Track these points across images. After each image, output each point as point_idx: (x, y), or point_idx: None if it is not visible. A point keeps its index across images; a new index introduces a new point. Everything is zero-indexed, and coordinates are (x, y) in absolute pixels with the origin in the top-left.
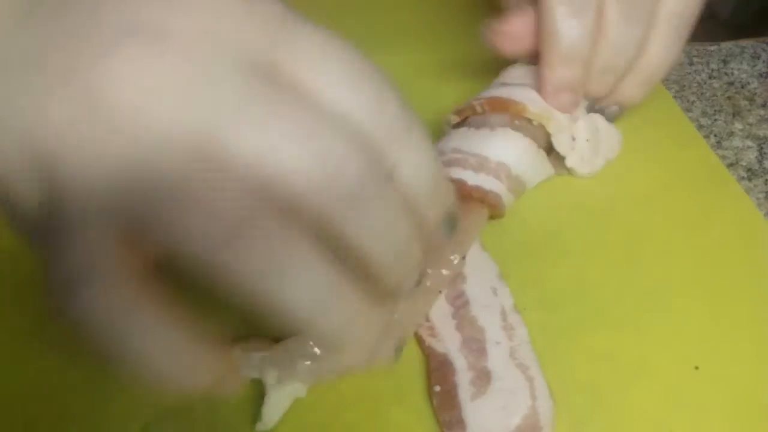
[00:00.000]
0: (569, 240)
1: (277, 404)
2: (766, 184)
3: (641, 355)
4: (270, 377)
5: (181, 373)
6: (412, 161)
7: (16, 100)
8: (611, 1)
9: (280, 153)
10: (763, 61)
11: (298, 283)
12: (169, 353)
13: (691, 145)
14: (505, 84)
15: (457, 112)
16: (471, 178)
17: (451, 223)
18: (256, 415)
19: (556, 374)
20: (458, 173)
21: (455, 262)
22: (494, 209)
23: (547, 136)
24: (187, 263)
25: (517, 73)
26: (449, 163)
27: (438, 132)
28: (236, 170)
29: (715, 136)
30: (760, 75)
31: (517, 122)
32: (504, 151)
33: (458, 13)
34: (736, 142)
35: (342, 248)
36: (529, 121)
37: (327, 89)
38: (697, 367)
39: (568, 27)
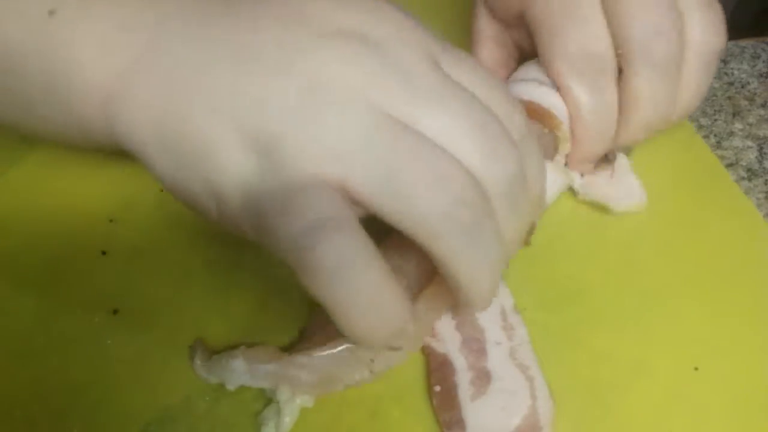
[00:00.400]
0: (569, 240)
1: (290, 417)
2: (766, 184)
3: (641, 355)
4: (283, 393)
5: (389, 313)
6: (533, 170)
7: (235, 88)
8: (638, 61)
9: (472, 142)
10: (763, 61)
11: (487, 252)
12: (385, 294)
13: (691, 145)
14: (525, 80)
15: None
16: None
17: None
18: (255, 415)
19: (556, 374)
20: None
21: None
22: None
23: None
24: (408, 226)
25: (536, 71)
26: None
27: None
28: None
29: (715, 136)
30: (760, 75)
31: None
32: None
33: (459, 12)
34: (736, 142)
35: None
36: (542, 128)
37: (480, 91)
38: (696, 368)
39: (589, 107)
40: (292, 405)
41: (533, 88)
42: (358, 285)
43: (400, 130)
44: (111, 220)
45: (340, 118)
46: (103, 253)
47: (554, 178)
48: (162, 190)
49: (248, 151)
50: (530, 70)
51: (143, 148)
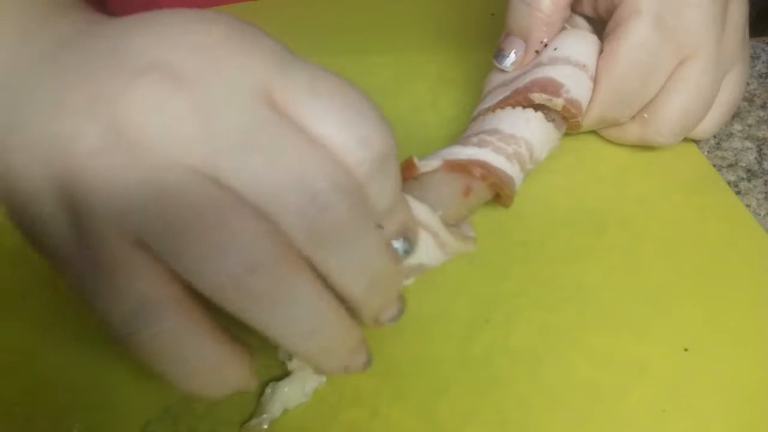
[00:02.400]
0: (569, 241)
1: (300, 385)
2: (765, 185)
3: (641, 355)
4: (293, 364)
5: (219, 379)
6: (381, 187)
7: (45, 128)
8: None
9: (283, 195)
10: (763, 62)
11: (293, 317)
12: (212, 362)
13: (688, 147)
14: (559, 62)
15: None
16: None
17: (409, 246)
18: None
19: (556, 374)
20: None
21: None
22: (506, 198)
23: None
24: (202, 289)
25: (570, 42)
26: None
27: (437, 131)
28: (243, 206)
29: (715, 137)
30: (760, 75)
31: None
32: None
33: (459, 12)
34: (736, 143)
35: (329, 279)
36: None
37: (316, 124)
38: (696, 368)
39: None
40: (304, 372)
41: (567, 70)
42: (189, 360)
43: (195, 188)
44: None
45: (134, 173)
46: None
47: (548, 137)
48: None
49: (59, 200)
50: (566, 43)
51: None
